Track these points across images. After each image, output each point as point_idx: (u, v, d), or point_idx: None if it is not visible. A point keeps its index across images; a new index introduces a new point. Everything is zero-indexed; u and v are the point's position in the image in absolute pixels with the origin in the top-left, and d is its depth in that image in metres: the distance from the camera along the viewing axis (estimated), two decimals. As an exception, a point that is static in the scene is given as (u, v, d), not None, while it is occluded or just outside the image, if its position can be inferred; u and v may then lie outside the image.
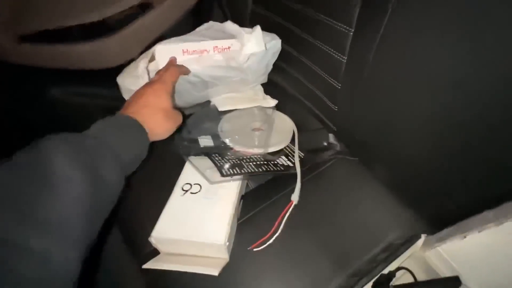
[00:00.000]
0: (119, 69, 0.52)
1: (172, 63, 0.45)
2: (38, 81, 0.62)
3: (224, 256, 0.39)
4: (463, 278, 0.39)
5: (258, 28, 0.46)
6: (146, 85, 0.39)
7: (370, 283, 0.39)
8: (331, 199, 0.47)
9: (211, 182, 0.41)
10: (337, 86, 0.45)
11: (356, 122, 0.46)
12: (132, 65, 0.50)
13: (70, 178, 0.26)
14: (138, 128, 0.33)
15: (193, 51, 0.46)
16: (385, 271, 0.40)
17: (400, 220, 0.45)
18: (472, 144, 0.32)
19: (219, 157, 0.44)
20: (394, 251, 0.41)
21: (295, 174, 0.44)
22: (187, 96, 0.50)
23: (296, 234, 0.42)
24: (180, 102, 0.51)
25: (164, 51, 0.45)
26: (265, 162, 0.44)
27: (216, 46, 0.47)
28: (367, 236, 0.44)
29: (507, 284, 0.38)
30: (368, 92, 0.41)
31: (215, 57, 0.47)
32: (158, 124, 0.36)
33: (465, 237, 0.36)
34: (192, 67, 0.45)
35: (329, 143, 0.54)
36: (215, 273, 0.36)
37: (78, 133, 0.30)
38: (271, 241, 0.40)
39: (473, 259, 0.39)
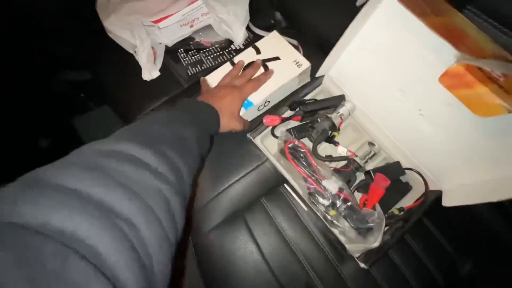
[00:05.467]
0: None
1: (257, 79, 0.52)
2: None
3: None
4: (347, 96, 0.59)
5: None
6: (227, 88, 0.48)
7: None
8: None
9: None
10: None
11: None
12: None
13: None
14: (215, 114, 0.45)
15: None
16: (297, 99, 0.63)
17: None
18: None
19: (184, 54, 0.69)
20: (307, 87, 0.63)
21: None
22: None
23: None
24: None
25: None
26: (221, 52, 0.68)
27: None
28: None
29: (374, 93, 0.56)
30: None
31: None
32: (223, 123, 0.46)
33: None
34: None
35: (275, 20, 0.71)
36: None
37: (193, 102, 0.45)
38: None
39: (353, 81, 0.57)
